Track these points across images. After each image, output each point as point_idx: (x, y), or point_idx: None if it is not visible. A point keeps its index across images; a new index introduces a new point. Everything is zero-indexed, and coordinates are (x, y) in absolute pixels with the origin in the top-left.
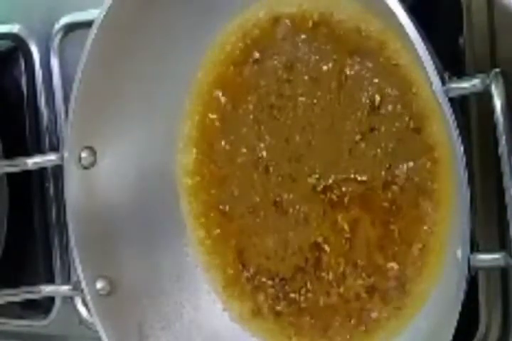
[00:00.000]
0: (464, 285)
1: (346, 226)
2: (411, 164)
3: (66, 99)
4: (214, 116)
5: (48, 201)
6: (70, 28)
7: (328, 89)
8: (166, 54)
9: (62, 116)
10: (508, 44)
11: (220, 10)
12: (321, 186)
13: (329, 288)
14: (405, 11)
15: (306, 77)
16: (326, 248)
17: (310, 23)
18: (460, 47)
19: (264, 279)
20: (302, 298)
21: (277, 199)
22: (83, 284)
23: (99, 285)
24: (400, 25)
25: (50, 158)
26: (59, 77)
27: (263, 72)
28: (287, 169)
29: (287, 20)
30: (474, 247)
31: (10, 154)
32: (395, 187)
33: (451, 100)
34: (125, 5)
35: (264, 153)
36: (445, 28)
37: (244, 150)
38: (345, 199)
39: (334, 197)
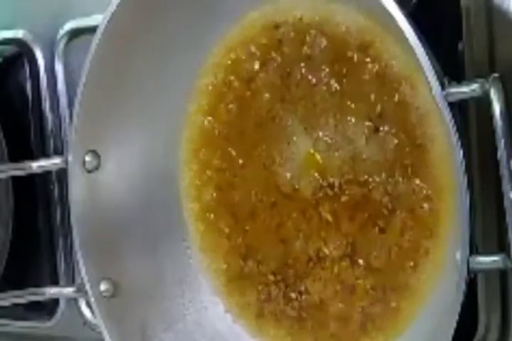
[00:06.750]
0: (463, 287)
1: (346, 228)
2: (411, 167)
3: (70, 103)
4: (216, 120)
5: (52, 204)
6: (75, 33)
7: (328, 93)
8: (168, 58)
9: (67, 120)
10: (507, 49)
11: (221, 17)
12: (323, 188)
13: (330, 289)
14: (405, 16)
15: (306, 83)
16: (327, 249)
17: (309, 31)
18: (459, 52)
19: (266, 281)
20: (303, 299)
21: (279, 201)
22: (87, 286)
23: (103, 287)
24: (400, 31)
25: (54, 162)
26: (63, 81)
27: (264, 77)
28: (289, 171)
29: (287, 28)
30: (473, 249)
31: (15, 158)
32: (395, 190)
33: (450, 104)
34: (129, 11)
35: (266, 156)
36: (445, 33)
37: (246, 152)
38: (347, 202)
39: (336, 199)
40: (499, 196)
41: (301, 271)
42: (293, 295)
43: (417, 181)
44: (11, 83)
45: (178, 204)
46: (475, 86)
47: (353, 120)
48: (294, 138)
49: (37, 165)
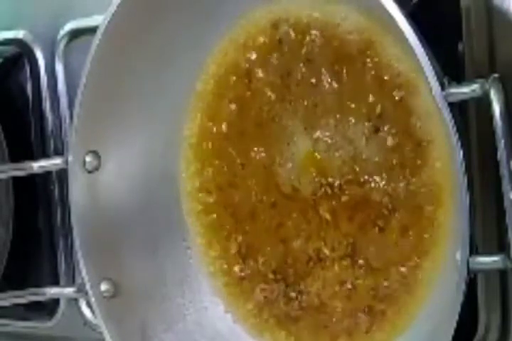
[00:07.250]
0: (463, 287)
1: (346, 228)
2: (411, 167)
3: (71, 103)
4: (216, 120)
5: (52, 204)
6: (75, 33)
7: (328, 93)
8: (169, 58)
9: (67, 120)
10: (507, 49)
11: (221, 17)
12: (323, 188)
13: (330, 289)
14: (405, 17)
15: (306, 83)
16: (327, 249)
17: (309, 31)
18: (459, 52)
19: (266, 281)
20: (303, 299)
21: (279, 201)
22: (87, 286)
23: (103, 287)
24: (400, 31)
25: (55, 162)
26: (64, 82)
27: (264, 77)
28: (289, 171)
29: (287, 28)
30: (473, 249)
31: (16, 158)
32: (395, 190)
33: (450, 105)
34: (129, 11)
35: (266, 156)
36: (445, 33)
37: (246, 152)
38: (347, 202)
39: (336, 199)
40: (499, 196)
41: (301, 270)
42: (293, 295)
43: (417, 181)
44: (11, 83)
45: (178, 204)
46: (475, 86)
47: (353, 120)
48: (294, 138)
49: (37, 166)
